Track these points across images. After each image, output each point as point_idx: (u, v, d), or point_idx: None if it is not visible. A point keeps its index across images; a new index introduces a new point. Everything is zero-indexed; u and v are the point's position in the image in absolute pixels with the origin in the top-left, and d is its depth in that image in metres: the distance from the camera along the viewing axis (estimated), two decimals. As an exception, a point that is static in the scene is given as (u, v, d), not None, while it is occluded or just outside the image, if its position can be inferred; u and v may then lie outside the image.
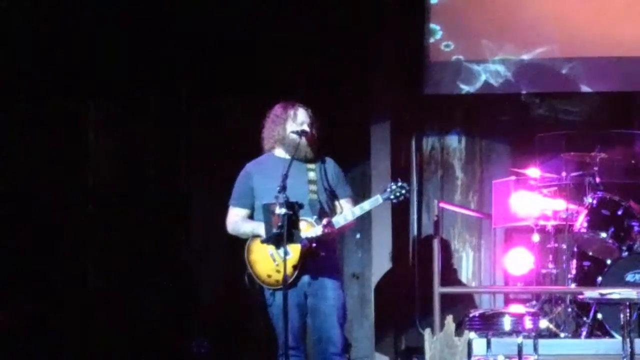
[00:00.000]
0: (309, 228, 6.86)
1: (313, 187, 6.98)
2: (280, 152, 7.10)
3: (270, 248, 6.87)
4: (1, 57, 9.05)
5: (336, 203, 7.07)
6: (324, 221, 6.86)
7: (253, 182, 7.10)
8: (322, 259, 6.90)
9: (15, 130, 9.24)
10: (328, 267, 6.97)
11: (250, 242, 7.04)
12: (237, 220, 7.15)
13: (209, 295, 9.36)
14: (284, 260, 6.64)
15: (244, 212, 7.13)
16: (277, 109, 7.14)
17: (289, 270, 6.81)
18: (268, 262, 6.92)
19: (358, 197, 7.37)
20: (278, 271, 6.85)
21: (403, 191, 6.91)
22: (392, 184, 6.95)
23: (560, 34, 9.42)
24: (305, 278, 6.93)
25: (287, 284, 6.74)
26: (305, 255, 6.86)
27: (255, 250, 6.99)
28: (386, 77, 9.36)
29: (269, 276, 6.93)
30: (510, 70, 9.51)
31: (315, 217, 6.89)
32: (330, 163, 7.16)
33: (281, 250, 6.74)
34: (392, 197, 6.93)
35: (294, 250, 6.82)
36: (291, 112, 7.11)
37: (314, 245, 6.86)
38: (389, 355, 9.16)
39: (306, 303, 6.96)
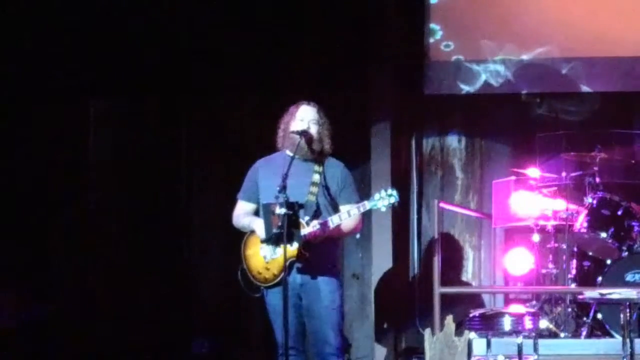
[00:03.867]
0: (300, 228, 6.85)
1: (314, 189, 6.96)
2: (289, 151, 7.10)
3: (262, 246, 6.88)
4: (2, 58, 9.06)
5: (340, 208, 7.04)
6: (315, 221, 6.83)
7: (258, 177, 7.12)
8: (315, 260, 6.87)
9: (16, 131, 9.25)
10: (322, 268, 6.94)
11: (247, 236, 7.06)
12: (239, 214, 7.18)
13: (209, 295, 9.36)
14: (285, 260, 6.64)
15: (248, 206, 7.14)
16: (288, 108, 7.16)
17: (276, 270, 6.82)
18: (259, 259, 6.94)
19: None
20: (267, 269, 6.88)
21: (392, 199, 6.83)
22: (382, 190, 6.89)
23: (560, 34, 9.41)
24: (298, 279, 6.91)
25: (274, 284, 6.81)
26: (291, 256, 6.83)
27: (251, 245, 7.01)
28: (386, 77, 9.36)
29: (259, 273, 6.95)
30: (510, 70, 9.51)
31: (307, 218, 6.87)
32: (338, 167, 7.12)
33: (271, 249, 6.78)
34: (379, 204, 6.88)
35: (283, 251, 6.78)
36: (294, 111, 7.12)
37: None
38: (389, 356, 9.16)
39: (302, 304, 6.95)
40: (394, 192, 6.84)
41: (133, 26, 9.30)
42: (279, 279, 6.83)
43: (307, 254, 6.82)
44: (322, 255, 6.93)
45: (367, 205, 6.88)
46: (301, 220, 6.83)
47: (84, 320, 9.22)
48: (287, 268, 6.77)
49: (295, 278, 6.90)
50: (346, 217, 6.90)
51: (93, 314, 9.24)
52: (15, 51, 9.17)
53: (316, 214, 6.91)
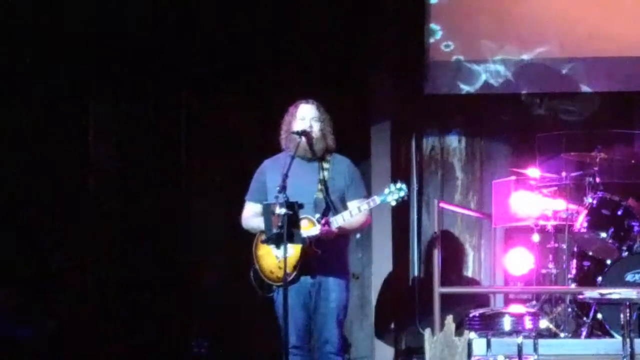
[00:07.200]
0: (311, 226, 6.88)
1: (322, 186, 6.98)
2: (292, 152, 7.11)
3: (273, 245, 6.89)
4: (2, 59, 9.06)
5: (348, 204, 7.06)
6: (322, 220, 6.88)
7: (266, 178, 7.14)
8: (327, 259, 6.90)
9: (16, 132, 9.25)
10: (333, 267, 6.99)
11: (258, 237, 7.07)
12: (248, 215, 7.20)
13: (209, 295, 9.36)
14: (285, 259, 6.64)
15: (257, 207, 7.14)
16: (288, 109, 7.18)
17: (289, 269, 6.82)
18: (271, 258, 6.94)
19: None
20: (280, 268, 6.88)
21: (402, 193, 6.91)
22: (391, 185, 6.95)
23: (560, 34, 9.42)
24: (309, 278, 6.95)
25: (287, 283, 6.77)
26: (305, 254, 6.86)
27: (262, 245, 7.00)
28: (386, 77, 9.37)
29: (272, 272, 6.96)
30: (510, 70, 9.51)
31: (318, 215, 6.90)
32: (345, 163, 7.16)
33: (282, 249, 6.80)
34: (389, 199, 6.93)
35: (295, 249, 6.83)
36: (294, 111, 7.14)
37: (310, 244, 6.87)
38: (389, 356, 9.16)
39: (312, 303, 6.98)
40: (404, 186, 6.91)
41: (133, 26, 9.30)
42: (292, 277, 6.86)
43: (319, 251, 6.85)
44: (334, 255, 6.99)
45: (377, 200, 6.93)
46: (312, 218, 6.87)
47: (83, 320, 9.22)
48: (300, 267, 6.84)
49: (308, 277, 6.93)
50: (357, 212, 6.93)
51: (92, 314, 9.24)
52: (15, 51, 9.16)
53: (326, 211, 6.94)
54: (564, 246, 8.92)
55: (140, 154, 9.45)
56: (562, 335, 8.53)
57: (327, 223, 6.87)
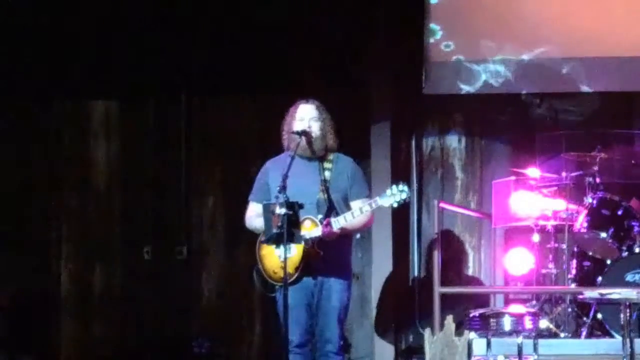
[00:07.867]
0: (313, 227, 6.88)
1: (325, 187, 6.98)
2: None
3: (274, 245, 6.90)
4: (3, 59, 9.06)
5: (351, 204, 7.06)
6: (324, 221, 6.88)
7: (269, 178, 7.14)
8: (330, 259, 6.90)
9: (15, 132, 9.26)
10: (335, 267, 6.99)
11: (261, 237, 7.06)
12: (252, 215, 7.21)
13: (209, 295, 9.36)
14: (285, 259, 6.64)
15: (260, 207, 7.13)
16: (289, 110, 7.18)
17: (291, 269, 6.82)
18: (274, 258, 6.93)
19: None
20: (282, 268, 6.88)
21: (404, 195, 6.89)
22: (393, 186, 6.94)
23: (560, 34, 9.41)
24: (311, 278, 6.95)
25: (289, 283, 6.77)
26: (307, 255, 6.86)
27: (265, 245, 7.00)
28: (386, 77, 9.36)
29: (274, 272, 6.96)
30: (510, 70, 9.50)
31: (320, 216, 6.89)
32: (347, 162, 7.16)
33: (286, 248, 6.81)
34: (391, 200, 6.92)
35: (298, 250, 6.83)
36: (294, 111, 7.14)
37: (313, 244, 6.87)
38: (389, 356, 9.16)
39: (314, 302, 6.98)
40: (406, 188, 6.89)
41: (133, 27, 9.30)
42: (294, 278, 6.87)
43: (321, 252, 6.85)
44: (336, 255, 6.99)
45: (379, 201, 6.92)
46: (315, 219, 6.87)
47: (83, 321, 9.22)
48: (302, 267, 6.84)
49: (310, 277, 6.93)
50: (358, 214, 6.93)
51: (93, 314, 9.24)
52: (16, 51, 9.17)
53: (329, 211, 6.94)
54: (564, 246, 8.92)
55: (140, 154, 9.45)
56: (562, 335, 8.52)
57: (329, 224, 6.87)
